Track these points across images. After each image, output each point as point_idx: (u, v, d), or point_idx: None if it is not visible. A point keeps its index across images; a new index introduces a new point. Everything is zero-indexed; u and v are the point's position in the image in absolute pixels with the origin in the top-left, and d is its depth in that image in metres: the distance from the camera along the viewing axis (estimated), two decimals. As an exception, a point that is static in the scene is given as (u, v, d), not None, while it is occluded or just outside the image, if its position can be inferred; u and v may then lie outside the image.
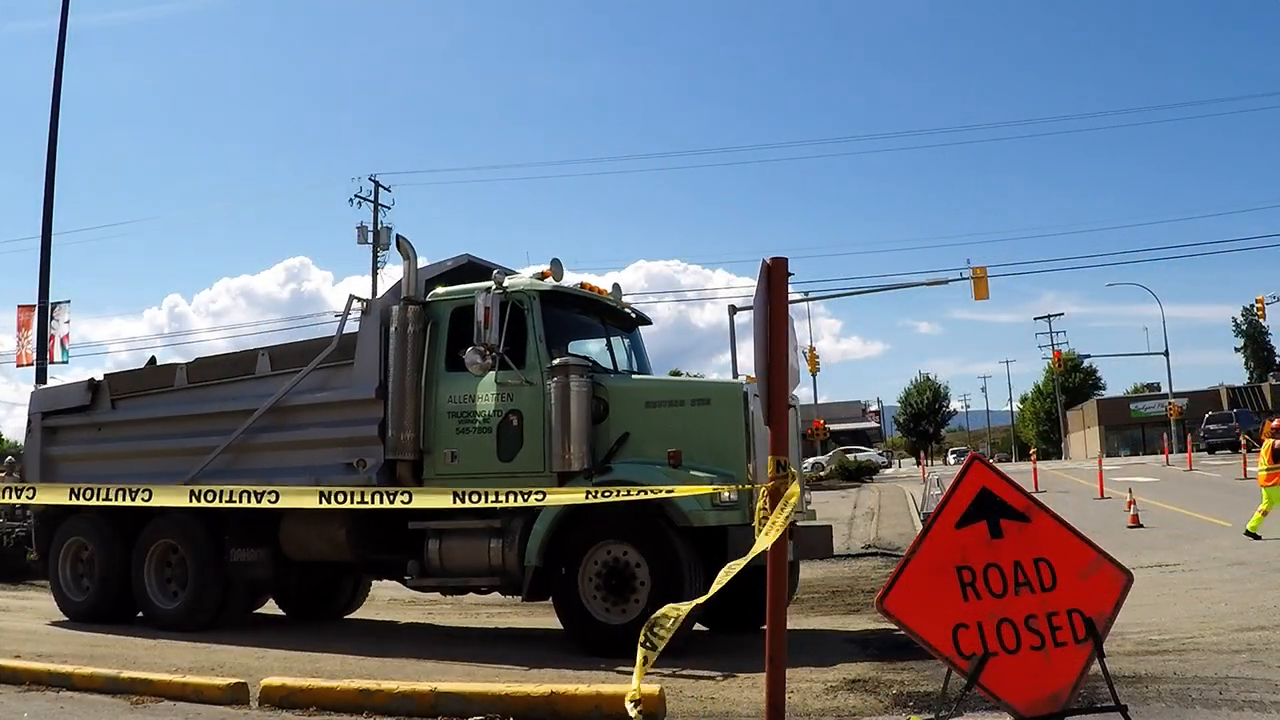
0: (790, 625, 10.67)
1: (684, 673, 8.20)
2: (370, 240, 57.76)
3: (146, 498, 10.58)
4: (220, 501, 10.16)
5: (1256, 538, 16.66)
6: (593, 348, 12.01)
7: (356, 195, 58.01)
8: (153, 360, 14.58)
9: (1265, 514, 17.06)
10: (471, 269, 12.04)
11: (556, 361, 10.58)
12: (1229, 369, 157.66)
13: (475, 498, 9.36)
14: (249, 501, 10.04)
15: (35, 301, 28.14)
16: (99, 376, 13.95)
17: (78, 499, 11.29)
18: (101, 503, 11.18)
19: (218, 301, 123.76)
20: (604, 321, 12.22)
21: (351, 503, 9.72)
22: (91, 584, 12.93)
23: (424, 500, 9.73)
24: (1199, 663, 7.73)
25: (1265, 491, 17.43)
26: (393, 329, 11.17)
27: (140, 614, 12.50)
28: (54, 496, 12.04)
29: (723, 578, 5.85)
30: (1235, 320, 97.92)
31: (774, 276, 5.54)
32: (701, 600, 6.25)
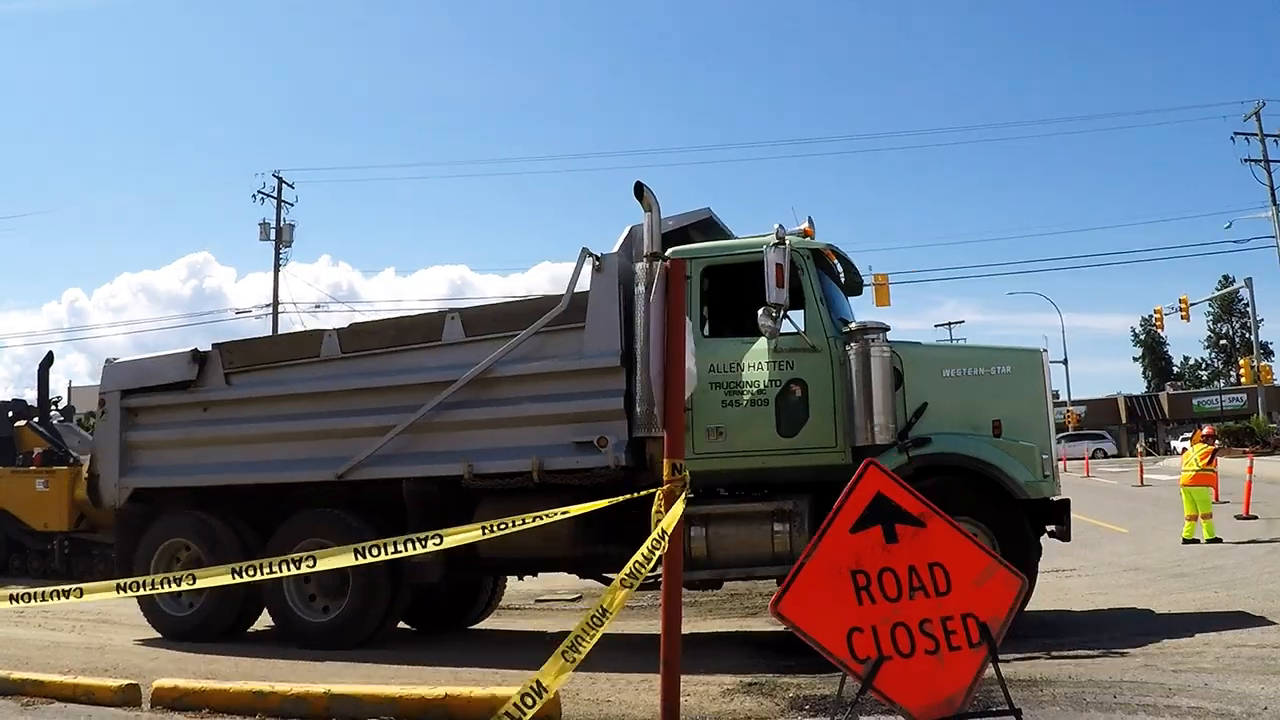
0: (689, 628, 10.70)
1: (581, 674, 8.12)
2: (272, 237, 57.19)
3: (192, 583, 6.60)
4: (261, 575, 6.67)
5: (1217, 540, 16.93)
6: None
7: (260, 191, 57.37)
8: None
9: (1207, 516, 17.28)
10: (705, 226, 11.26)
11: (854, 325, 9.81)
12: (1127, 378, 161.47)
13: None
14: (287, 570, 6.58)
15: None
16: (206, 346, 11.90)
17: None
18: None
19: (118, 296, 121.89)
20: (841, 286, 11.22)
21: (386, 554, 6.29)
22: (200, 595, 10.89)
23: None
24: (1094, 667, 7.79)
25: (1187, 493, 17.68)
26: (638, 288, 9.36)
27: (272, 629, 11.09)
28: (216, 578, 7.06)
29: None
30: (1134, 330, 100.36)
31: (672, 279, 5.50)
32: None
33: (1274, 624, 9.25)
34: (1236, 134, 54.34)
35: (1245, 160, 53.71)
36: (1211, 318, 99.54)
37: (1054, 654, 8.41)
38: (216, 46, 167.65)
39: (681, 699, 6.37)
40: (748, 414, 9.71)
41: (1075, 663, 7.96)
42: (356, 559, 6.98)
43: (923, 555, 5.52)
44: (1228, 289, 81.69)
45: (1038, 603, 9.66)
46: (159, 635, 11.13)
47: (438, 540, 5.97)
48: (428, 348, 10.67)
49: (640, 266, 9.45)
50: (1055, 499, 9.65)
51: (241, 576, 6.32)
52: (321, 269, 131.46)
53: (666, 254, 9.44)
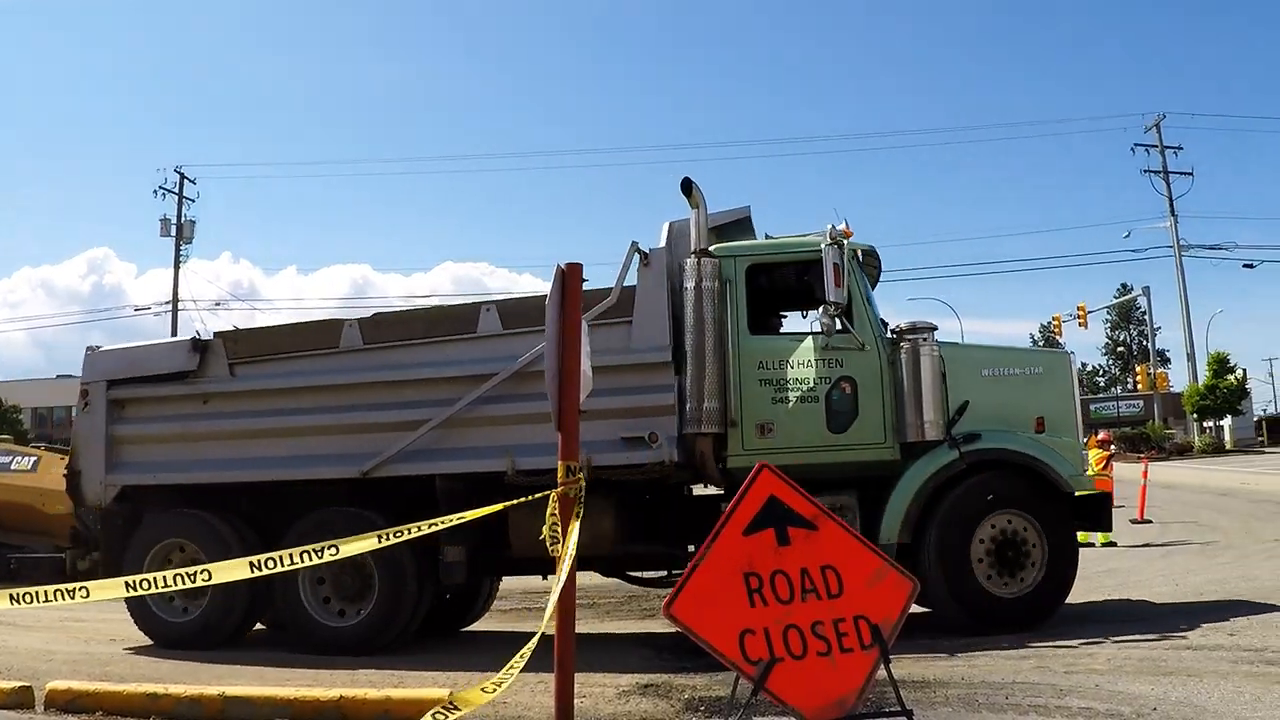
0: (585, 629, 10.68)
1: (479, 674, 8.08)
2: (173, 233, 56.59)
3: (207, 578, 6.33)
4: (280, 567, 6.33)
5: (1113, 544, 17.21)
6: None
7: (161, 187, 56.94)
8: None
9: None
10: (742, 225, 11.13)
11: (905, 325, 10.14)
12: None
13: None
14: (309, 560, 6.29)
15: None
16: (205, 334, 11.32)
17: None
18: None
19: (17, 292, 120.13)
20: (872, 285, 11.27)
21: (282, 566, 6.17)
22: (201, 598, 10.38)
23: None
24: (987, 668, 7.89)
25: None
26: (687, 285, 9.79)
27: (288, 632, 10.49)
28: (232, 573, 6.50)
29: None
30: (1033, 336, 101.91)
31: (569, 283, 5.51)
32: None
33: (1165, 626, 9.44)
34: (1137, 145, 55.78)
35: (1145, 171, 55.04)
36: (1109, 325, 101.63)
37: (953, 654, 8.53)
38: (120, 39, 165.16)
39: (578, 700, 6.38)
40: (798, 410, 9.91)
41: (969, 664, 8.07)
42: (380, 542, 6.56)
43: (815, 558, 5.56)
44: (1126, 297, 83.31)
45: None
46: (150, 643, 10.60)
47: (334, 550, 5.90)
48: (461, 340, 10.37)
49: (689, 262, 9.86)
50: (1095, 493, 10.25)
51: (261, 570, 6.02)
52: (223, 266, 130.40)
53: (712, 250, 9.95)
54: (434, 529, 5.87)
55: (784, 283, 10.89)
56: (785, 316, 11.69)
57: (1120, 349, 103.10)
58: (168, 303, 58.15)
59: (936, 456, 9.80)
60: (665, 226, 10.34)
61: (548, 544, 5.45)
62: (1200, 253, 53.80)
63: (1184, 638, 8.83)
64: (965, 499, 9.71)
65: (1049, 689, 7.01)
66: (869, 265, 11.04)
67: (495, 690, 4.88)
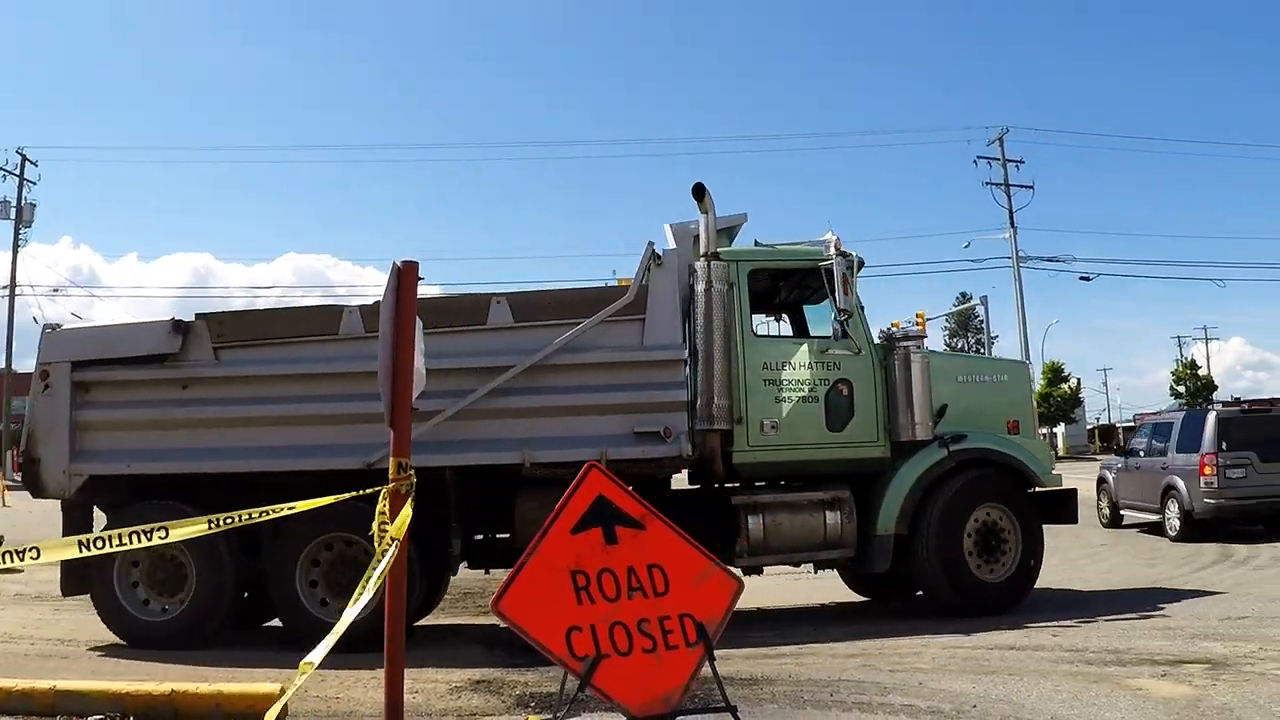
0: (422, 624, 10.74)
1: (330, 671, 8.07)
2: (12, 216, 55.17)
3: (164, 535, 5.87)
4: (109, 547, 5.97)
5: None
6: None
7: (1, 168, 55.33)
8: None
9: None
10: (733, 231, 11.40)
11: (898, 332, 10.88)
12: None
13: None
14: (138, 541, 5.81)
15: None
16: (188, 317, 10.54)
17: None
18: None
19: None
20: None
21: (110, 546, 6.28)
22: (184, 596, 9.90)
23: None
24: (815, 666, 8.10)
25: None
26: (698, 286, 10.27)
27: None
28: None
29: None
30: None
31: (404, 280, 5.55)
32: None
33: (991, 626, 9.81)
34: (979, 158, 57.07)
35: (986, 183, 56.42)
36: (948, 333, 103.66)
37: (774, 654, 8.75)
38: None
39: (410, 696, 6.45)
40: (800, 409, 10.50)
41: (797, 662, 8.28)
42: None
43: (642, 557, 5.68)
44: (965, 305, 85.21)
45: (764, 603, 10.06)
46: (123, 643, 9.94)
47: (164, 533, 5.83)
48: (470, 331, 10.30)
49: (699, 265, 10.34)
50: (1063, 489, 11.25)
51: (219, 525, 5.80)
52: (62, 251, 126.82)
53: (718, 254, 10.45)
54: (266, 518, 5.83)
55: (776, 288, 11.72)
56: (782, 320, 12.42)
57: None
58: (5, 287, 56.40)
59: (929, 454, 10.64)
60: (667, 228, 10.84)
61: (376, 540, 5.45)
62: (1038, 264, 55.26)
63: (1008, 638, 9.16)
64: (960, 494, 10.58)
65: (874, 687, 7.23)
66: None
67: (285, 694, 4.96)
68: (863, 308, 10.81)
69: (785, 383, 10.54)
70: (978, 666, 7.91)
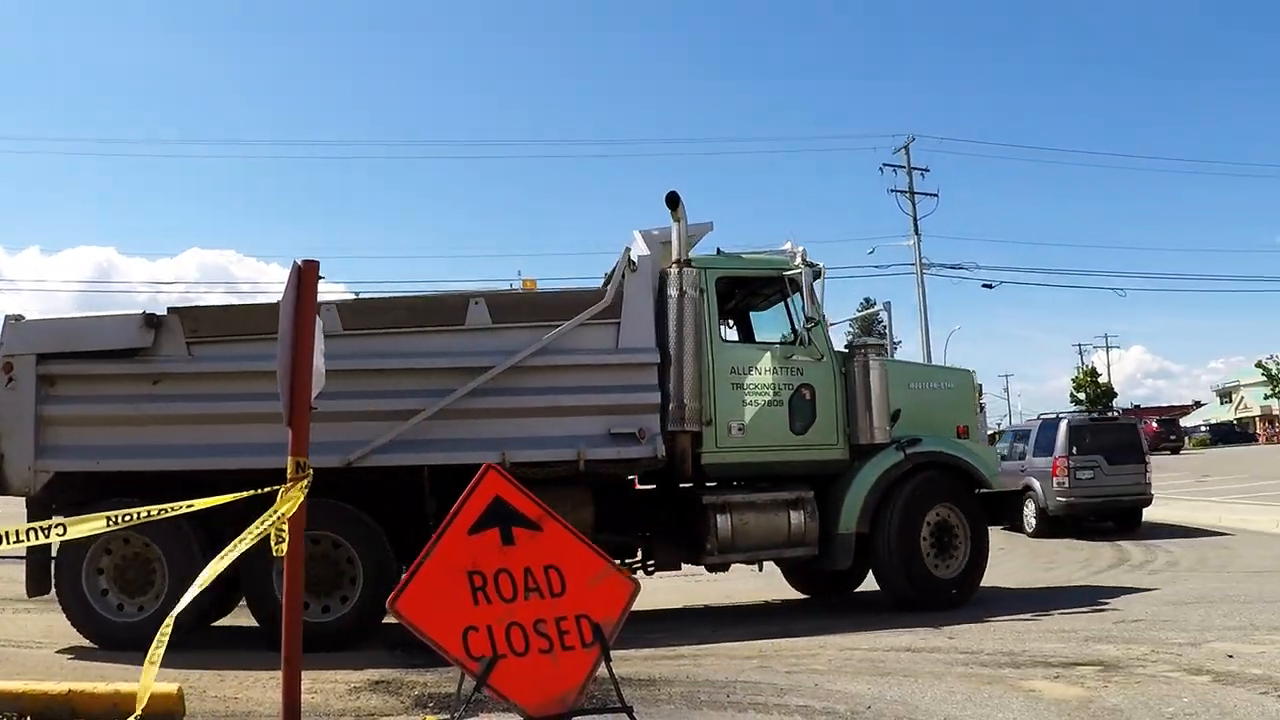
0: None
1: (209, 672, 8.00)
2: None
3: (61, 533, 5.69)
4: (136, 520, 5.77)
5: None
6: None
7: None
8: None
9: None
10: (695, 238, 11.50)
11: (858, 342, 11.58)
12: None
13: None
14: (34, 539, 5.53)
15: None
16: (159, 311, 10.27)
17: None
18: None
19: None
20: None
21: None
22: (161, 595, 9.61)
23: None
24: (712, 667, 8.18)
25: None
26: (671, 292, 10.57)
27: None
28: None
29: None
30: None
31: (304, 279, 5.53)
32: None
33: (889, 627, 10.02)
34: (885, 165, 57.76)
35: (891, 190, 57.12)
36: (852, 337, 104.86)
37: (672, 655, 8.83)
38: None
39: (308, 696, 6.44)
40: (765, 413, 10.94)
41: (695, 663, 8.36)
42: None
43: (538, 558, 5.72)
44: (868, 310, 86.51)
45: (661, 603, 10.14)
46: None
47: (61, 530, 5.74)
48: (447, 331, 10.39)
49: (672, 271, 10.66)
50: (1008, 490, 12.31)
51: (116, 524, 5.54)
52: None
53: (689, 261, 10.81)
54: (164, 515, 5.75)
55: (732, 294, 12.01)
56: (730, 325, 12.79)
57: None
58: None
59: (887, 457, 11.15)
60: (637, 235, 11.00)
61: (273, 541, 5.42)
62: (942, 271, 56.04)
63: (905, 640, 9.31)
64: (916, 494, 11.16)
65: (770, 688, 7.31)
66: None
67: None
68: (824, 316, 11.31)
69: (751, 387, 10.95)
70: (874, 668, 8.03)
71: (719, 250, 11.81)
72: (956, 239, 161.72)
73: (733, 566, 11.70)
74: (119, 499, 9.35)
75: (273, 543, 5.43)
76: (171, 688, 6.46)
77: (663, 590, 13.26)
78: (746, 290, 12.11)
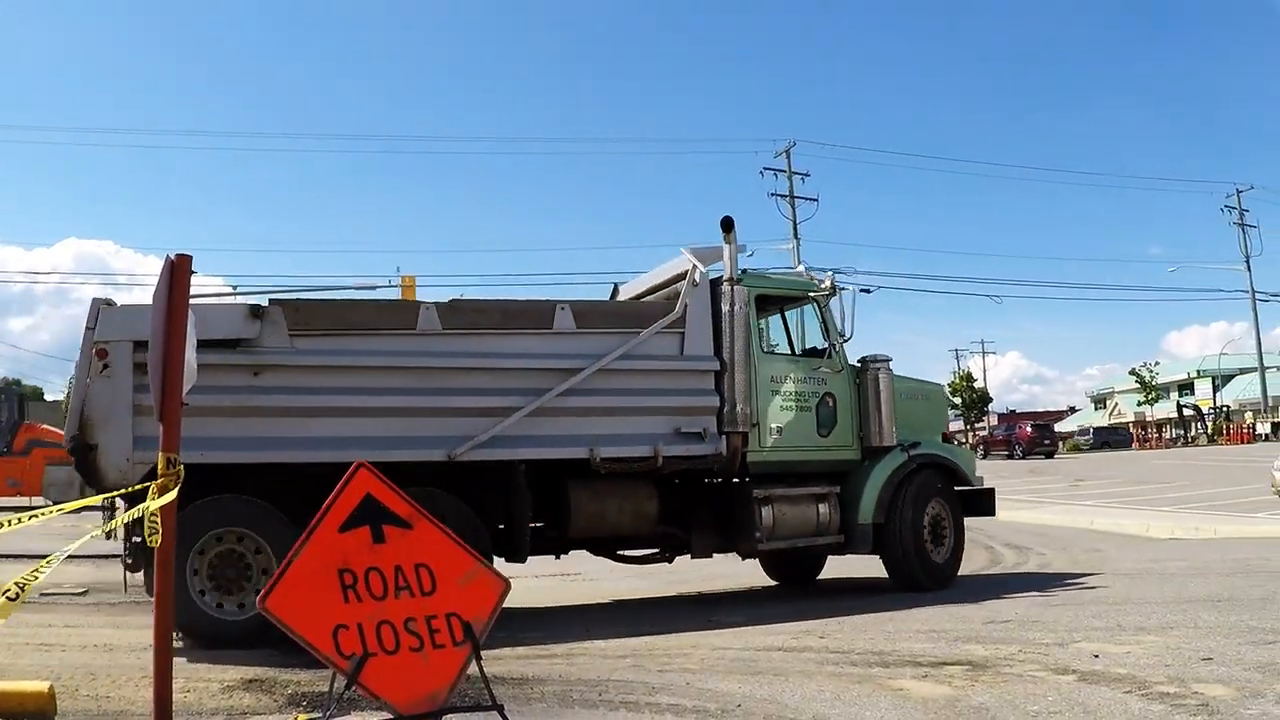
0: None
1: (82, 671, 7.89)
2: None
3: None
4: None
5: None
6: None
7: None
8: None
9: None
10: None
11: (869, 356, 12.92)
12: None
13: None
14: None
15: None
16: (264, 301, 10.20)
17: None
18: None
19: None
20: None
21: None
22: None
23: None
24: (585, 666, 8.29)
25: None
26: (724, 307, 11.54)
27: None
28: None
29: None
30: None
31: (176, 274, 5.53)
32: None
33: (762, 623, 10.27)
34: (765, 169, 58.49)
35: (772, 195, 57.87)
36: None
37: (546, 654, 8.93)
38: None
39: (181, 695, 6.41)
40: (798, 418, 12.34)
41: (569, 662, 8.45)
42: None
43: (409, 556, 5.77)
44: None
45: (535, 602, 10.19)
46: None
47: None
48: (537, 334, 10.99)
49: (725, 288, 11.62)
50: (984, 488, 13.66)
51: None
52: None
53: (736, 279, 11.75)
54: (17, 524, 5.67)
55: (778, 311, 13.38)
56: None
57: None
58: None
59: (895, 457, 12.68)
60: (686, 252, 12.02)
61: (146, 535, 5.39)
62: (821, 275, 57.27)
63: (777, 639, 9.48)
64: (920, 490, 12.67)
65: (641, 686, 7.42)
66: None
67: None
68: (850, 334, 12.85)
69: (787, 394, 12.32)
70: (745, 667, 8.16)
71: (744, 271, 12.72)
72: (837, 244, 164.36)
73: (608, 565, 12.82)
74: (237, 495, 9.68)
75: (146, 535, 5.40)
76: (43, 686, 6.38)
77: (536, 590, 13.40)
78: (770, 306, 13.19)
